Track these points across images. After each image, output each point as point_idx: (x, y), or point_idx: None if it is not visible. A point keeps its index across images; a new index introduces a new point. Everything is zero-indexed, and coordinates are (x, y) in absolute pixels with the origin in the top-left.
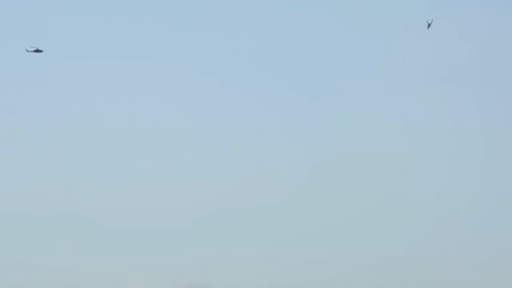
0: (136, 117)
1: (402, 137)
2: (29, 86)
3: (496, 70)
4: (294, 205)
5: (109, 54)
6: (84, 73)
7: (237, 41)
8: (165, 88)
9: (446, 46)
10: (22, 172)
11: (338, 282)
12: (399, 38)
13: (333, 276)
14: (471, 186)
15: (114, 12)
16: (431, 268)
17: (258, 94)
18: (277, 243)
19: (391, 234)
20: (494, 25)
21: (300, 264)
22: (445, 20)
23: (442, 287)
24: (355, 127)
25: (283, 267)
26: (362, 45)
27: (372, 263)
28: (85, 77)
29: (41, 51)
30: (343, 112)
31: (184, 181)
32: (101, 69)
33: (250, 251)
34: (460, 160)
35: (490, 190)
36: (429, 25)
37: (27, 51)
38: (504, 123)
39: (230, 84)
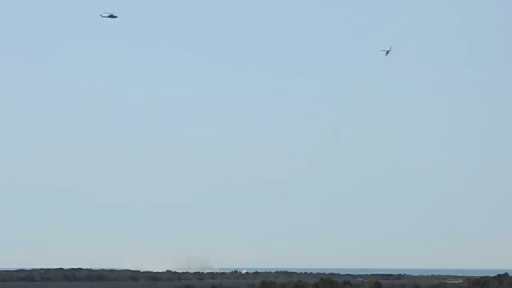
0: (142, 96)
1: (403, 114)
2: (37, 66)
3: (496, 48)
4: (296, 182)
5: (109, 35)
6: (85, 55)
7: (241, 27)
8: (170, 68)
9: (445, 24)
10: (30, 146)
11: (343, 256)
12: (399, 16)
13: (337, 251)
14: (471, 161)
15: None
16: (434, 240)
17: (261, 75)
18: (276, 218)
19: (394, 208)
20: (493, 3)
21: (300, 240)
22: None
23: (442, 259)
24: (357, 104)
25: (284, 242)
26: (363, 26)
27: (375, 236)
28: (85, 58)
29: (115, 16)
30: (344, 90)
31: (186, 158)
32: (104, 50)
33: (250, 226)
34: (460, 136)
35: (490, 165)
36: (387, 52)
37: (101, 16)
38: (504, 100)
39: (236, 66)
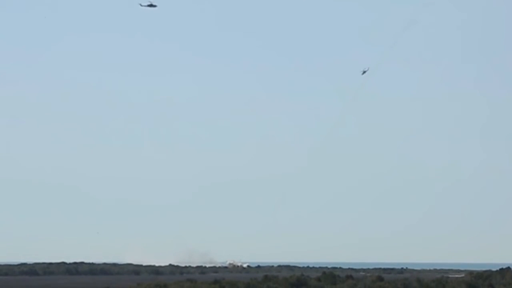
0: (143, 92)
1: (404, 108)
2: (39, 60)
3: (497, 44)
4: (298, 176)
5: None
6: (85, 50)
7: (242, 22)
8: (171, 64)
9: (446, 20)
10: (33, 140)
11: (346, 250)
12: (400, 11)
13: (340, 245)
14: (473, 155)
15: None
16: (437, 235)
17: (261, 70)
18: (278, 213)
19: (396, 202)
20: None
21: (303, 234)
22: None
23: (445, 253)
24: (356, 100)
25: (286, 237)
26: (364, 20)
27: (378, 230)
28: (86, 53)
29: (154, 5)
30: (345, 85)
31: (188, 153)
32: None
33: (252, 221)
34: (462, 130)
35: (492, 160)
36: (364, 72)
37: (141, 5)
38: (504, 93)
39: (237, 61)
